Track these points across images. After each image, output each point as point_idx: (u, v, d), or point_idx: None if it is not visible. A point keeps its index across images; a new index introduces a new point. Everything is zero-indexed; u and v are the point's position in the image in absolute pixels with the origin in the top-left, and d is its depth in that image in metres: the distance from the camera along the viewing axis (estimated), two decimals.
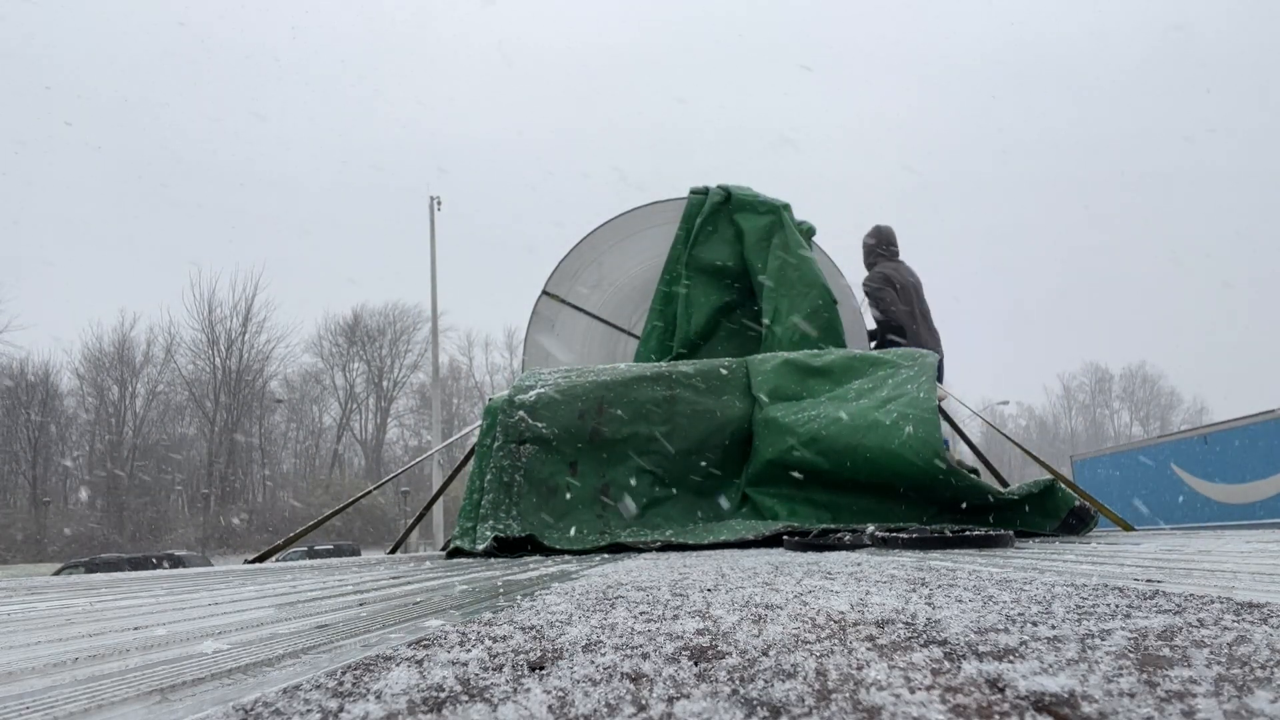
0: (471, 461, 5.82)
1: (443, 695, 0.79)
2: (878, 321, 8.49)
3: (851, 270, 8.68)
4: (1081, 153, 78.20)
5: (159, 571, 4.79)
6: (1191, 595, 1.40)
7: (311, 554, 24.49)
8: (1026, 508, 4.76)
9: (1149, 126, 77.61)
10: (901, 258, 8.92)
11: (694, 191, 8.38)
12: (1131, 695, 0.70)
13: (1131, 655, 0.87)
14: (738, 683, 0.80)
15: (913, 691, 0.74)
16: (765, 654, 0.94)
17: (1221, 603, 1.27)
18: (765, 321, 7.45)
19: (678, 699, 0.74)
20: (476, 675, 0.88)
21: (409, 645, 1.14)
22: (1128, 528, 5.99)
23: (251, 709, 0.77)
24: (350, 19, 78.94)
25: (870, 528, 4.13)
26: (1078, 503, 4.78)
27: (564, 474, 5.48)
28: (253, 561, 6.29)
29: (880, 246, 8.89)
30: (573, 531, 5.15)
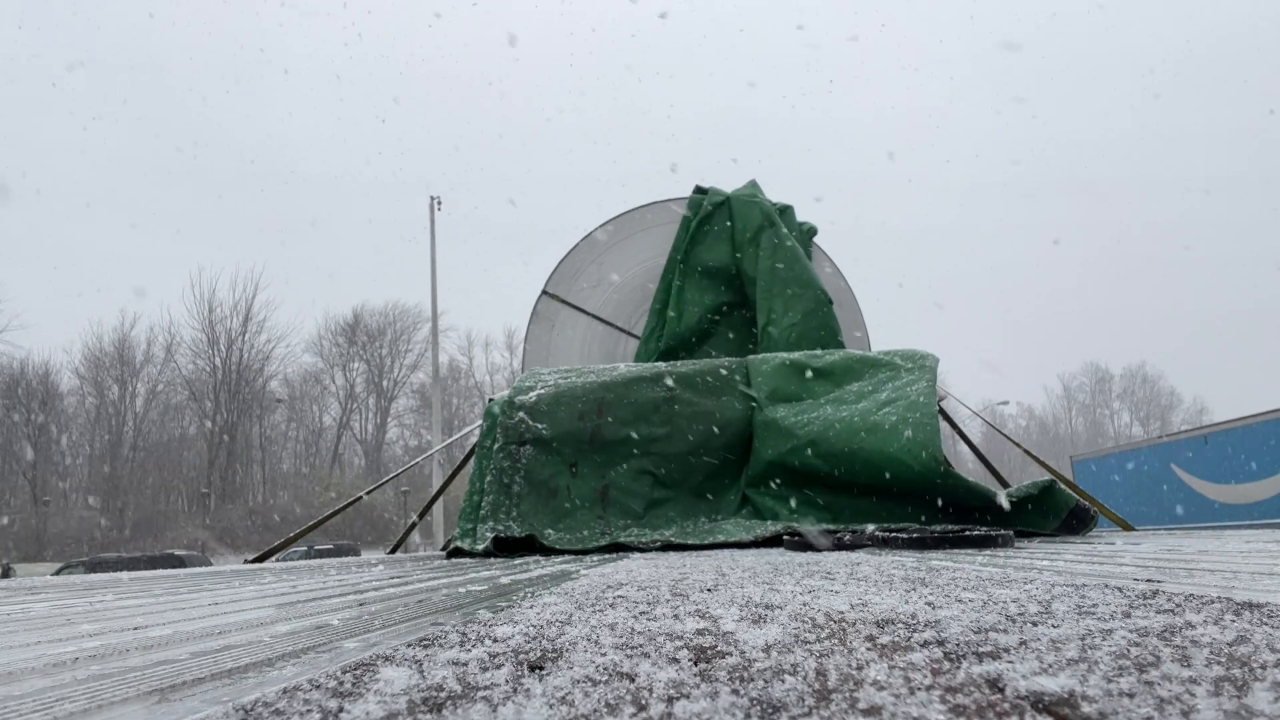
0: (472, 462, 5.83)
1: (443, 695, 0.79)
2: None
3: (854, 270, 8.69)
4: (1083, 153, 78.37)
5: (159, 571, 4.79)
6: (1191, 595, 1.40)
7: (311, 554, 24.50)
8: (1026, 508, 4.76)
9: (1151, 128, 77.76)
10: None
11: (697, 191, 8.39)
12: (1131, 695, 0.70)
13: (1131, 655, 0.87)
14: (738, 683, 0.80)
15: (913, 691, 0.74)
16: (765, 654, 0.94)
17: (1221, 603, 1.27)
18: (760, 321, 7.46)
19: (678, 699, 0.74)
20: (476, 675, 0.88)
21: (409, 645, 1.14)
22: (1128, 528, 5.99)
23: (251, 709, 0.77)
24: (350, 16, 79.09)
25: (870, 528, 4.13)
26: (1077, 503, 4.78)
27: (564, 475, 5.48)
28: (253, 561, 6.29)
29: None
30: (573, 532, 5.15)
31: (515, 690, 0.80)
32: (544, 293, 8.57)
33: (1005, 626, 1.10)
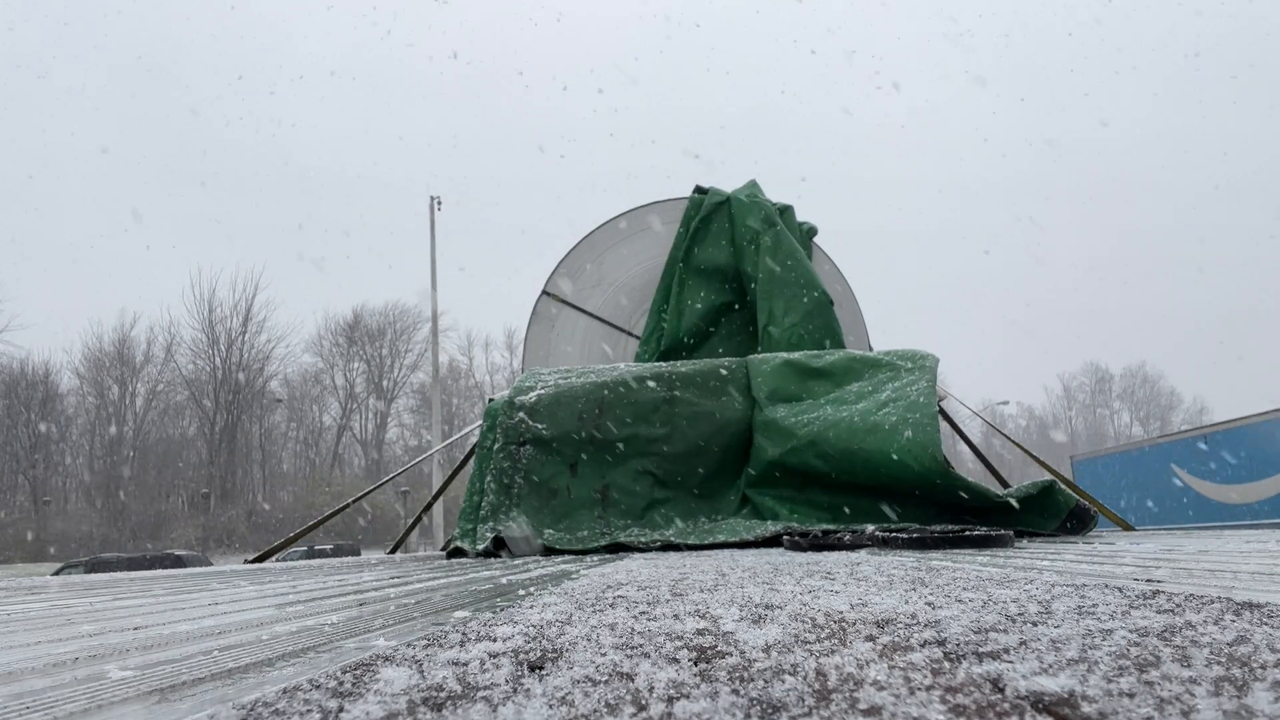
0: (472, 462, 5.83)
1: (443, 695, 0.79)
2: None
3: (854, 270, 8.70)
4: (1083, 154, 78.41)
5: (159, 571, 4.79)
6: (1191, 595, 1.40)
7: (311, 554, 24.49)
8: (1026, 508, 4.76)
9: (1151, 128, 77.85)
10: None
11: (697, 191, 8.38)
12: (1131, 695, 0.70)
13: (1131, 655, 0.87)
14: (738, 683, 0.80)
15: (913, 692, 0.74)
16: (765, 654, 0.94)
17: (1221, 603, 1.27)
18: (761, 321, 7.46)
19: (678, 699, 0.74)
20: (476, 675, 0.88)
21: (409, 645, 1.14)
22: (1128, 528, 5.99)
23: (251, 709, 0.77)
24: (351, 16, 79.16)
25: (870, 528, 4.13)
26: (1077, 503, 4.78)
27: (564, 475, 5.48)
28: (253, 561, 6.30)
29: None
30: (573, 532, 5.15)
31: (515, 690, 0.80)
32: (544, 293, 8.57)
33: (1005, 626, 1.10)
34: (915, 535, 3.76)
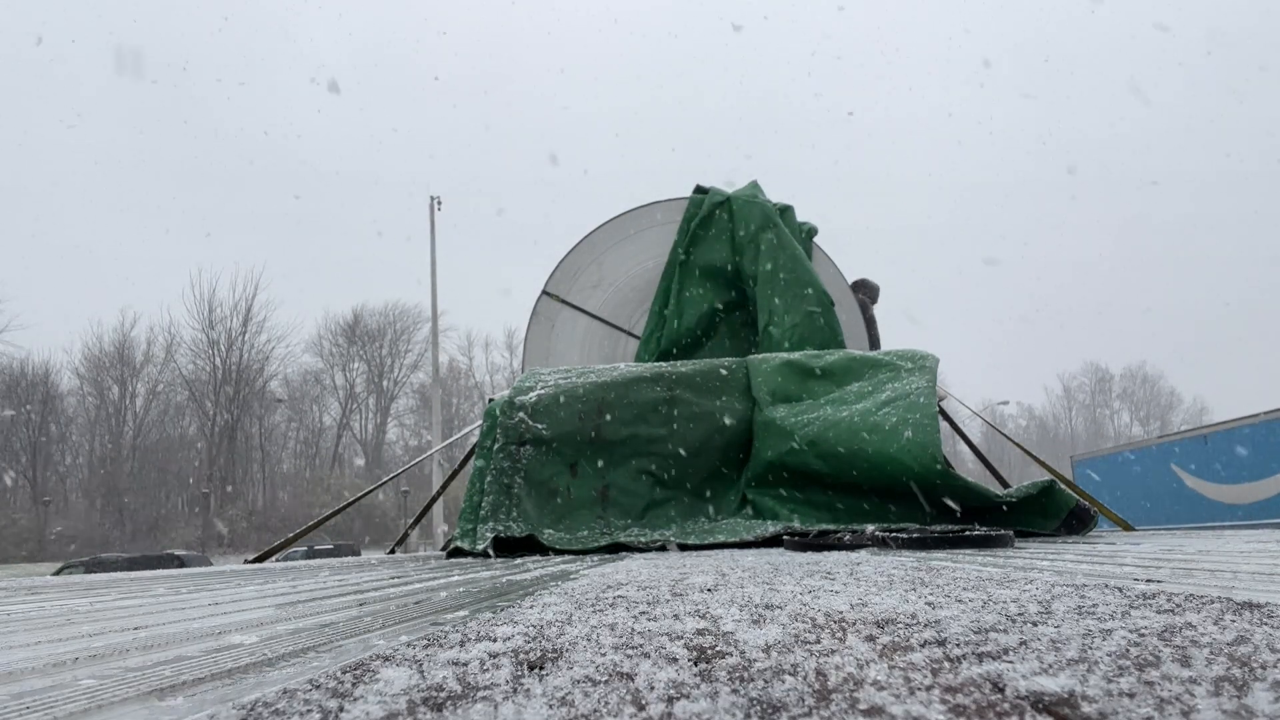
0: (472, 462, 5.83)
1: (443, 695, 0.79)
2: None
3: (855, 270, 8.70)
4: (1083, 153, 78.39)
5: (159, 571, 4.79)
6: (1191, 595, 1.40)
7: (311, 554, 24.49)
8: (1026, 508, 4.76)
9: (1151, 127, 77.91)
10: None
11: (697, 190, 8.38)
12: (1131, 695, 0.70)
13: (1131, 655, 0.87)
14: (738, 683, 0.80)
15: (913, 692, 0.74)
16: (765, 654, 0.94)
17: (1221, 603, 1.27)
18: (761, 321, 7.46)
19: (678, 699, 0.74)
20: (476, 675, 0.88)
21: (409, 645, 1.14)
22: (1128, 528, 5.99)
23: (252, 709, 0.77)
24: (350, 15, 79.14)
25: (870, 528, 4.13)
26: (1077, 503, 4.78)
27: (564, 475, 5.48)
28: (253, 561, 6.29)
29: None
30: (572, 532, 5.15)
31: (515, 690, 0.80)
32: (544, 293, 8.56)
33: (1005, 626, 1.10)
34: (915, 535, 3.76)
